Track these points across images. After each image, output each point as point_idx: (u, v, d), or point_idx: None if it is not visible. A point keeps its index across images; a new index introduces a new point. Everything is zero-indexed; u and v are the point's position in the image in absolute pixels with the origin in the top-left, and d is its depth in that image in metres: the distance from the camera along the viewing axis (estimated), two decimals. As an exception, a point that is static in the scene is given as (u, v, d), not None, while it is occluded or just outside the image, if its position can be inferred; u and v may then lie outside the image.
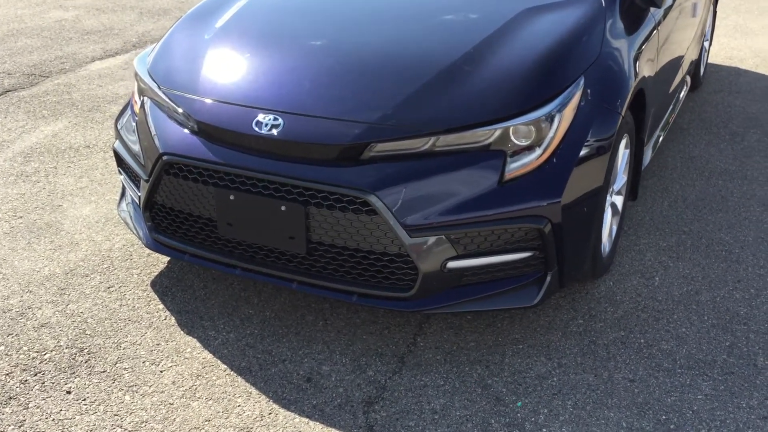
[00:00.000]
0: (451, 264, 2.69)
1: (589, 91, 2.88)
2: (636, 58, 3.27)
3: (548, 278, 2.81)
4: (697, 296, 3.24)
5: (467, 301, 2.76)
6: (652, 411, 2.61)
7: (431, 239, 2.65)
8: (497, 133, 2.67)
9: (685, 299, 3.22)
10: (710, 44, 6.18)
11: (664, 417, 2.58)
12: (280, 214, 2.73)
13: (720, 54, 6.80)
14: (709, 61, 6.57)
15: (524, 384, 2.74)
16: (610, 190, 3.28)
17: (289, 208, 2.71)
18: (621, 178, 3.45)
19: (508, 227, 2.68)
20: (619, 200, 3.48)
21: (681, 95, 4.76)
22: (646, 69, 3.43)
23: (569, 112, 2.79)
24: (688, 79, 5.26)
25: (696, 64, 5.44)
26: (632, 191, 3.69)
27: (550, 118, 2.72)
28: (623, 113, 3.00)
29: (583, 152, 2.79)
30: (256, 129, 2.75)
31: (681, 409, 2.62)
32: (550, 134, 2.72)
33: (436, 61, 2.84)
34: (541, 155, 2.71)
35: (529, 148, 2.70)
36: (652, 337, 2.98)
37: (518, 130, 2.69)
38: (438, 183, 2.64)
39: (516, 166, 2.68)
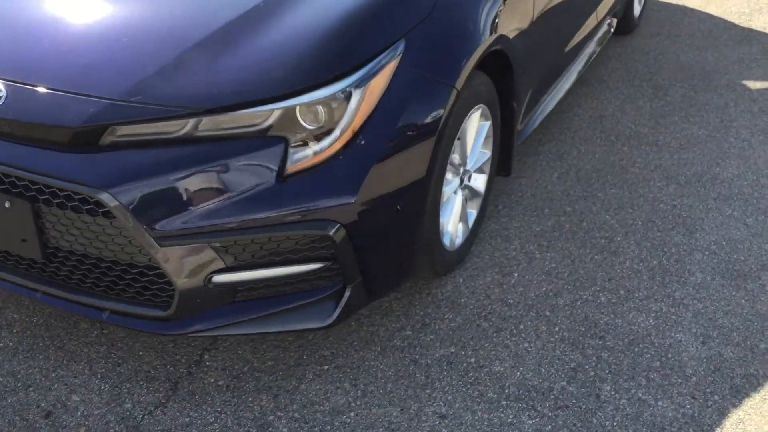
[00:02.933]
0: (218, 278, 2.17)
1: (412, 58, 2.30)
2: (493, 11, 2.66)
3: (347, 293, 2.29)
4: (555, 299, 2.74)
5: (244, 322, 2.25)
6: (454, 462, 2.13)
7: (190, 248, 2.11)
8: (276, 114, 2.11)
9: (539, 303, 2.71)
10: (651, -21, 5.52)
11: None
12: (5, 211, 2.19)
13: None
14: (652, -2, 5.90)
15: (312, 422, 2.25)
16: (462, 171, 2.73)
17: (14, 205, 2.17)
18: (482, 155, 2.90)
19: (290, 234, 2.15)
20: (480, 180, 2.94)
21: (593, 47, 4.15)
22: (513, 23, 2.83)
23: (377, 87, 2.22)
24: (614, 21, 4.64)
25: (628, 3, 4.81)
26: (504, 166, 3.14)
27: (346, 95, 2.15)
28: (460, 85, 2.42)
29: (394, 137, 2.24)
30: None
31: (490, 459, 2.14)
32: (347, 117, 2.16)
33: (202, 25, 2.25)
34: (333, 143, 2.16)
35: (319, 135, 2.14)
36: (486, 356, 2.49)
37: (303, 110, 2.12)
38: (200, 178, 2.10)
39: (300, 157, 2.13)
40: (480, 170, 2.95)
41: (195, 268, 2.14)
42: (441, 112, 2.36)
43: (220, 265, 2.15)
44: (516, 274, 2.87)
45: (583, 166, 3.58)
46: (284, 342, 2.54)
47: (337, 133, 2.15)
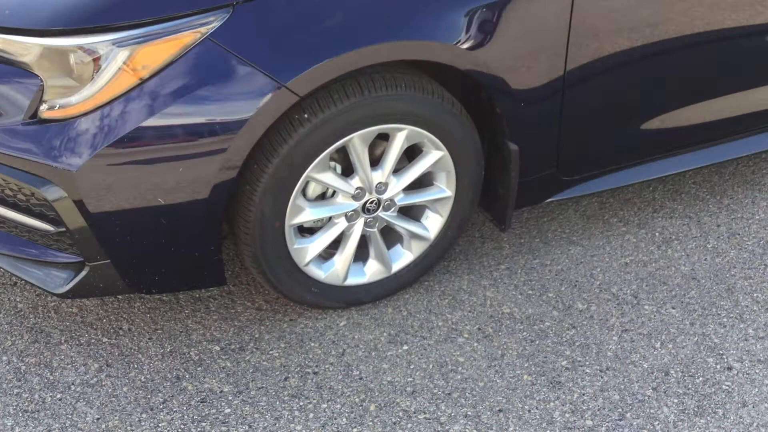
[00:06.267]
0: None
1: (233, 36, 1.83)
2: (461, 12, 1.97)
3: (85, 270, 2.01)
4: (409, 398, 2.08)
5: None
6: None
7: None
8: (34, 51, 1.86)
9: (385, 390, 2.10)
10: None
11: None
12: None
13: None
14: None
15: None
16: (366, 199, 2.17)
17: None
18: (433, 192, 2.26)
19: (13, 180, 1.93)
20: (431, 221, 2.31)
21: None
22: (510, 45, 2.06)
23: (155, 56, 1.82)
24: None
25: None
26: (500, 216, 2.41)
27: (109, 51, 1.80)
28: (303, 91, 1.87)
29: (161, 123, 1.84)
30: None
31: None
32: (103, 77, 1.82)
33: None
34: (82, 102, 1.85)
35: (72, 88, 1.85)
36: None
37: (52, 54, 1.84)
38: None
39: (52, 106, 1.87)
40: (433, 209, 2.30)
41: None
42: (247, 114, 1.86)
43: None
44: (406, 347, 2.24)
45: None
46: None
47: (84, 92, 1.83)
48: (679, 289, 2.42)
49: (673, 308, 2.35)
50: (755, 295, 2.40)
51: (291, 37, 1.86)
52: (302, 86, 1.87)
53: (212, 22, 1.81)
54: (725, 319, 2.31)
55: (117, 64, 1.79)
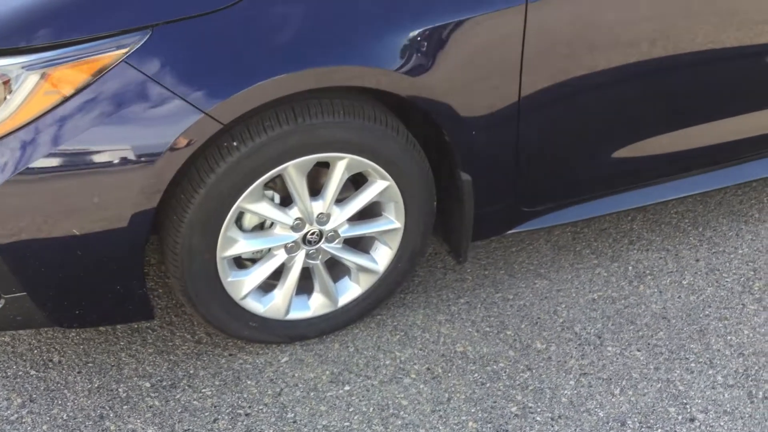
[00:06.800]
0: None
1: (153, 59, 1.72)
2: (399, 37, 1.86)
3: (0, 303, 1.91)
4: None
5: None
6: None
7: None
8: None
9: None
10: None
11: None
12: None
13: None
14: None
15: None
16: (306, 230, 2.05)
17: None
18: (382, 223, 2.14)
19: None
20: (381, 254, 2.19)
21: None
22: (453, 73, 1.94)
23: (67, 80, 1.71)
24: None
25: None
26: (455, 249, 2.28)
27: (19, 74, 1.70)
28: (226, 119, 1.76)
29: (75, 148, 1.74)
30: None
31: None
32: (15, 101, 1.72)
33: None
34: (-11, 126, 1.75)
35: (-17, 110, 1.75)
36: None
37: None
38: None
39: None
40: (382, 241, 2.18)
41: None
42: (182, 143, 1.75)
43: None
44: (347, 387, 2.11)
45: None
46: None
47: (-8, 117, 1.73)
48: (647, 329, 2.27)
49: (638, 350, 2.20)
50: (729, 338, 2.24)
51: (213, 62, 1.75)
52: (225, 113, 1.76)
53: (129, 45, 1.71)
54: (693, 364, 2.16)
55: (28, 87, 1.70)
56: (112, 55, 1.70)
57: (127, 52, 1.70)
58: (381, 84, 1.88)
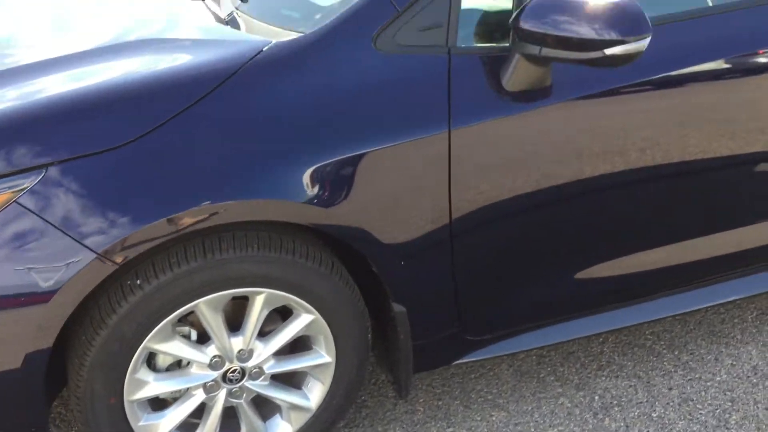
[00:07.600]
0: None
1: (45, 199, 1.65)
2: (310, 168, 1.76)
3: None
4: None
5: None
6: None
7: None
8: None
9: None
10: None
11: None
12: None
13: None
14: None
15: None
16: (226, 368, 1.92)
17: None
18: (313, 358, 2.01)
19: None
20: (314, 390, 2.04)
21: None
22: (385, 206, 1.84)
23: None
24: None
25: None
26: (396, 382, 2.13)
27: None
28: (119, 258, 1.67)
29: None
30: None
31: None
32: None
33: None
34: None
35: None
36: None
37: None
38: None
39: None
40: (314, 376, 2.04)
41: None
42: (76, 283, 1.66)
43: None
44: None
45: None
46: None
47: None
48: (607, 472, 2.07)
49: (596, 498, 2.00)
50: (698, 482, 2.03)
51: (106, 202, 1.66)
52: (119, 254, 1.66)
53: (22, 185, 1.64)
54: None
55: None
56: (4, 195, 1.63)
57: (19, 193, 1.63)
58: (289, 217, 1.78)
